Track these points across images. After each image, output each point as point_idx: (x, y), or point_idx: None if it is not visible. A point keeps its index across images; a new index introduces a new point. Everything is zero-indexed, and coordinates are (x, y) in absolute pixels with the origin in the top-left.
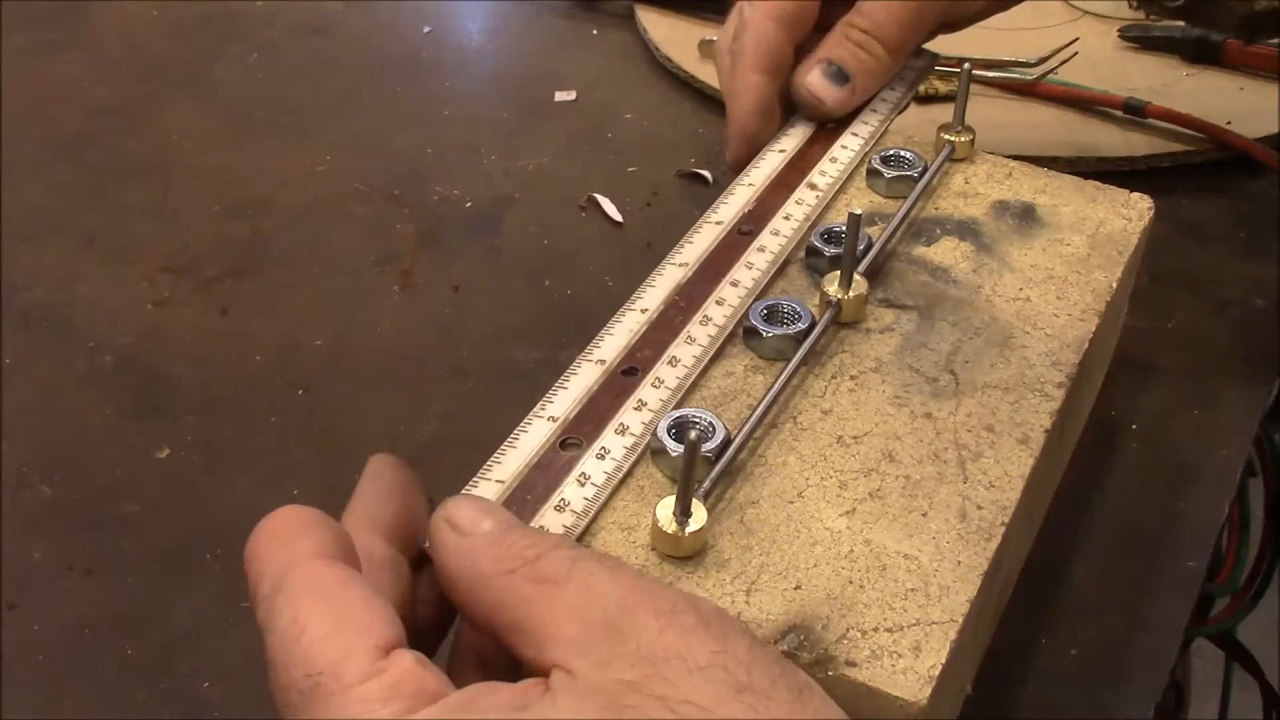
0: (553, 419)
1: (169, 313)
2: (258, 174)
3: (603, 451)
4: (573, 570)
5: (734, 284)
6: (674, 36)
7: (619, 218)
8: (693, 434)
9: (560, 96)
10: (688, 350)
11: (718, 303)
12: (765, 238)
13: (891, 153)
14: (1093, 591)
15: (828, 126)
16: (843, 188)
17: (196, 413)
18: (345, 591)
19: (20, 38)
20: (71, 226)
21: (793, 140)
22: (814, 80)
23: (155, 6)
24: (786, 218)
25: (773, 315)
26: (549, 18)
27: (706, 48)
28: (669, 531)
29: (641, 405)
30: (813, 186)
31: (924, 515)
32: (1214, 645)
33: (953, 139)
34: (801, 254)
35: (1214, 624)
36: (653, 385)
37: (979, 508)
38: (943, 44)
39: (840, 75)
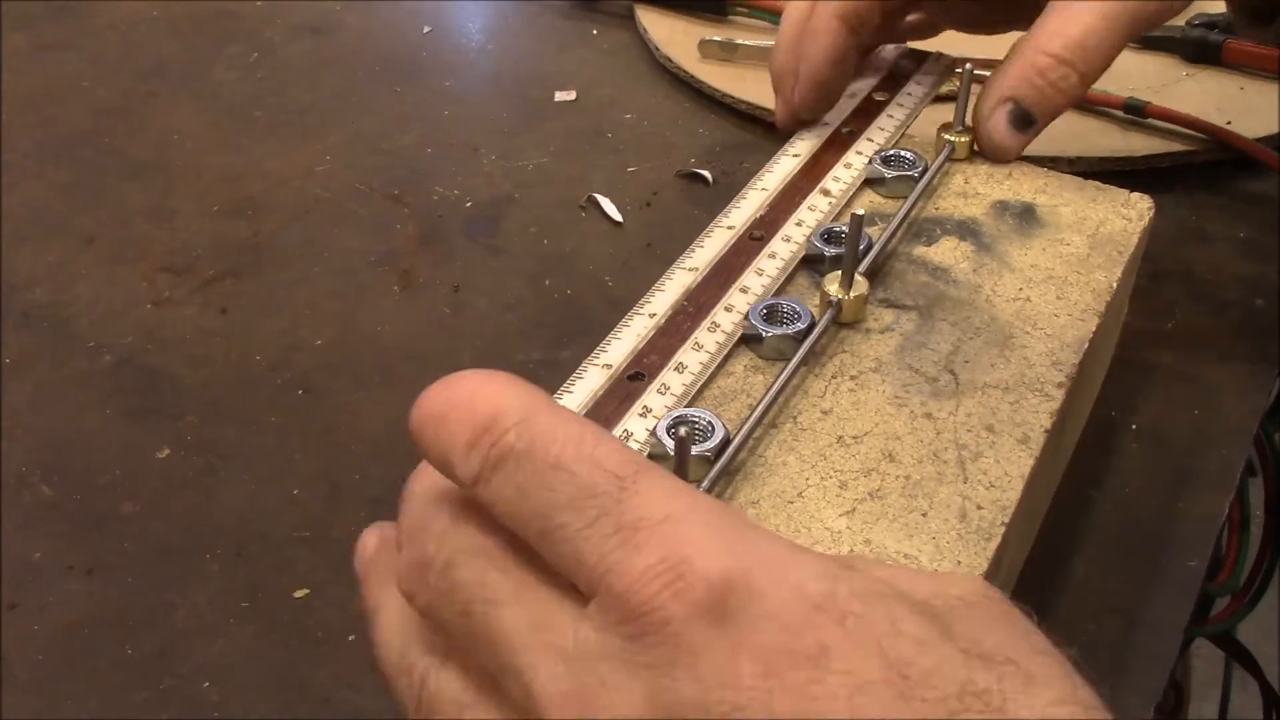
0: None
1: (169, 313)
2: (258, 174)
3: None
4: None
5: (744, 290)
6: (674, 36)
7: (619, 218)
8: (682, 430)
9: (560, 96)
10: (695, 357)
11: (726, 309)
12: (777, 244)
13: (892, 153)
14: (1093, 591)
15: (842, 131)
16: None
17: (196, 413)
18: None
19: (20, 38)
20: (71, 226)
21: (806, 145)
22: (997, 127)
23: (155, 6)
24: (799, 224)
25: (773, 315)
26: (549, 18)
27: (706, 48)
28: None
29: (647, 411)
30: (826, 193)
31: (924, 515)
32: (1214, 645)
33: (953, 139)
34: (802, 255)
35: (1214, 624)
36: (658, 391)
37: (979, 508)
38: (943, 44)
39: (1025, 120)
